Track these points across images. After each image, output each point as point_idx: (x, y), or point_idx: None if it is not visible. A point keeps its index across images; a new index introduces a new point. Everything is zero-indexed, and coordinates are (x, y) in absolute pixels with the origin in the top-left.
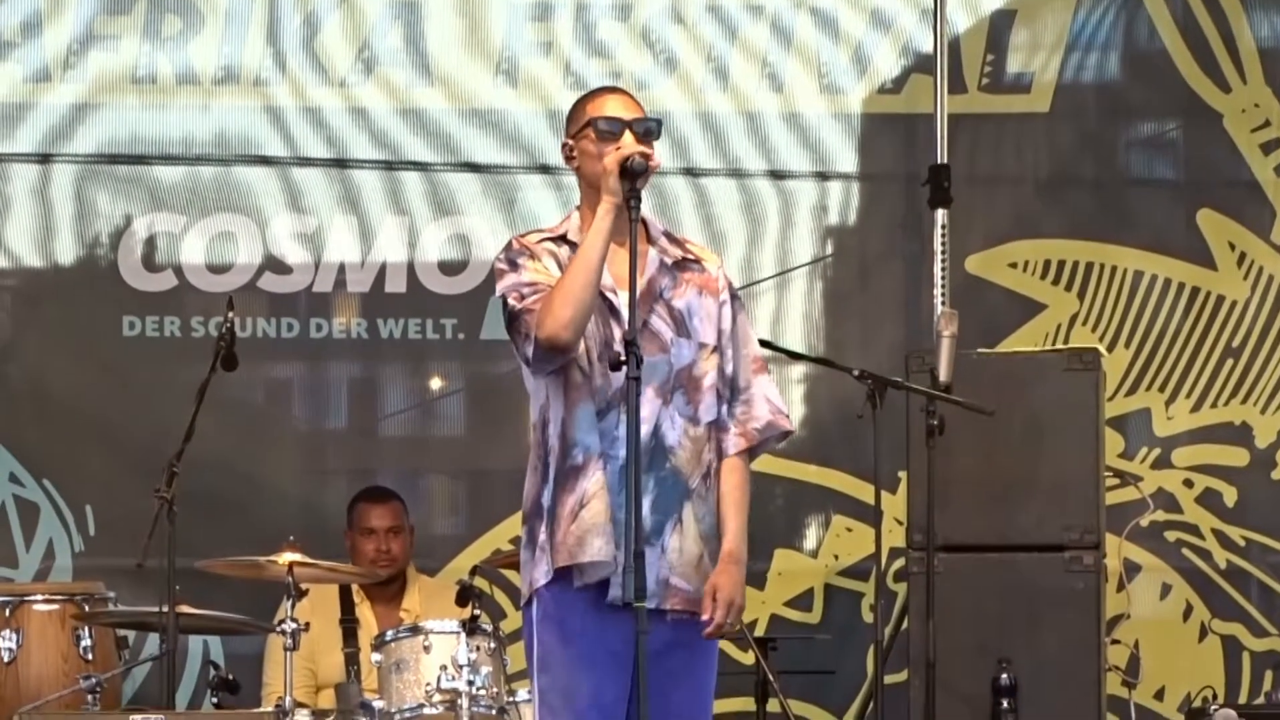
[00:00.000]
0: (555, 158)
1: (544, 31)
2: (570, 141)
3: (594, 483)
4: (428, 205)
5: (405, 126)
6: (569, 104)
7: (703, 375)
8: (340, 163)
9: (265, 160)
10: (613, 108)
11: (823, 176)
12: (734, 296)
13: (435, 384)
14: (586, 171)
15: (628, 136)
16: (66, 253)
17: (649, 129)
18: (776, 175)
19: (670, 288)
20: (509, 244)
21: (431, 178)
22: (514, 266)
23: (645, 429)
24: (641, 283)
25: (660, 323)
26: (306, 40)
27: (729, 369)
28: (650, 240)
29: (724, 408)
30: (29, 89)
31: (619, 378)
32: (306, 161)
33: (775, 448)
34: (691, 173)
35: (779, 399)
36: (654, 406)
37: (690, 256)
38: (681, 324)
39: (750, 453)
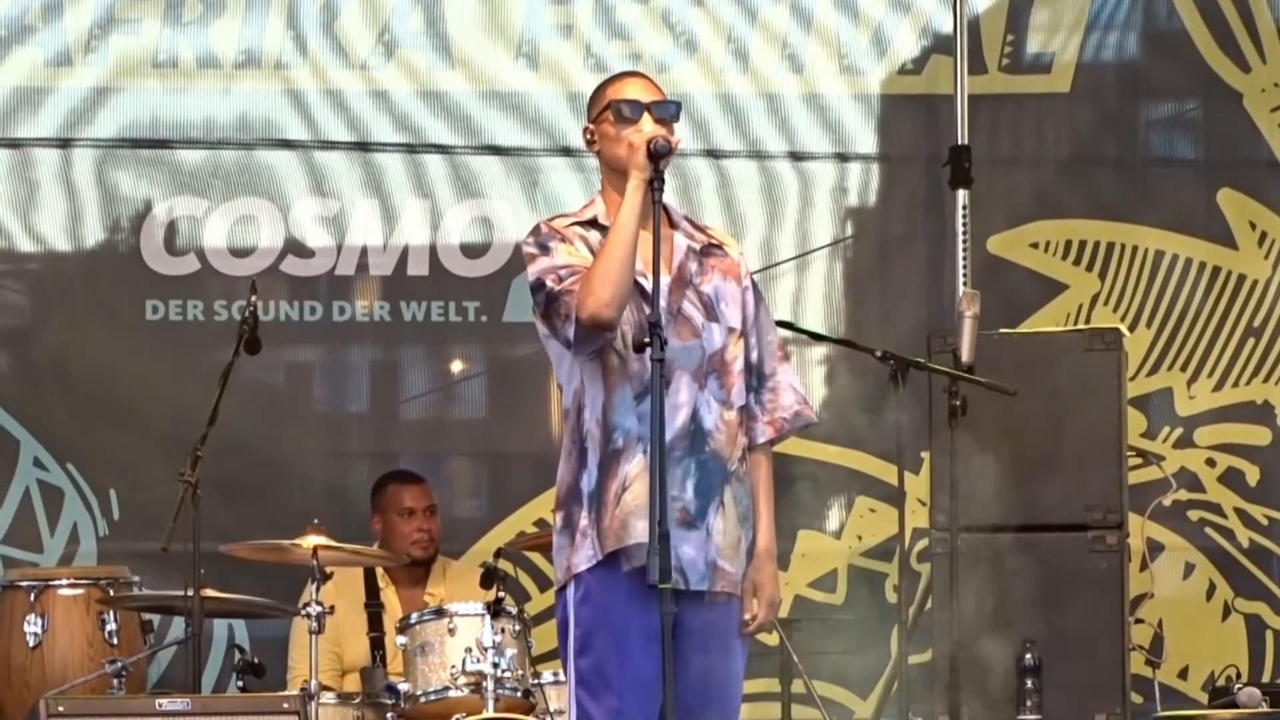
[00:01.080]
0: (576, 140)
1: (564, 14)
2: (591, 125)
3: (635, 465)
4: (450, 188)
5: (427, 109)
6: (590, 86)
7: (733, 360)
8: (362, 145)
9: (287, 144)
10: (632, 91)
11: (844, 158)
12: (754, 284)
13: (456, 367)
14: (607, 155)
15: (647, 119)
16: (89, 237)
17: (668, 111)
18: (797, 157)
19: (698, 273)
20: (536, 228)
21: (453, 160)
22: (545, 250)
23: (684, 413)
24: (671, 268)
25: (691, 308)
26: (327, 23)
27: (754, 356)
28: (674, 225)
29: (750, 395)
30: (50, 73)
31: None
32: (328, 145)
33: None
34: (712, 154)
35: (801, 388)
36: (691, 391)
37: (714, 242)
38: (710, 309)
39: (773, 442)
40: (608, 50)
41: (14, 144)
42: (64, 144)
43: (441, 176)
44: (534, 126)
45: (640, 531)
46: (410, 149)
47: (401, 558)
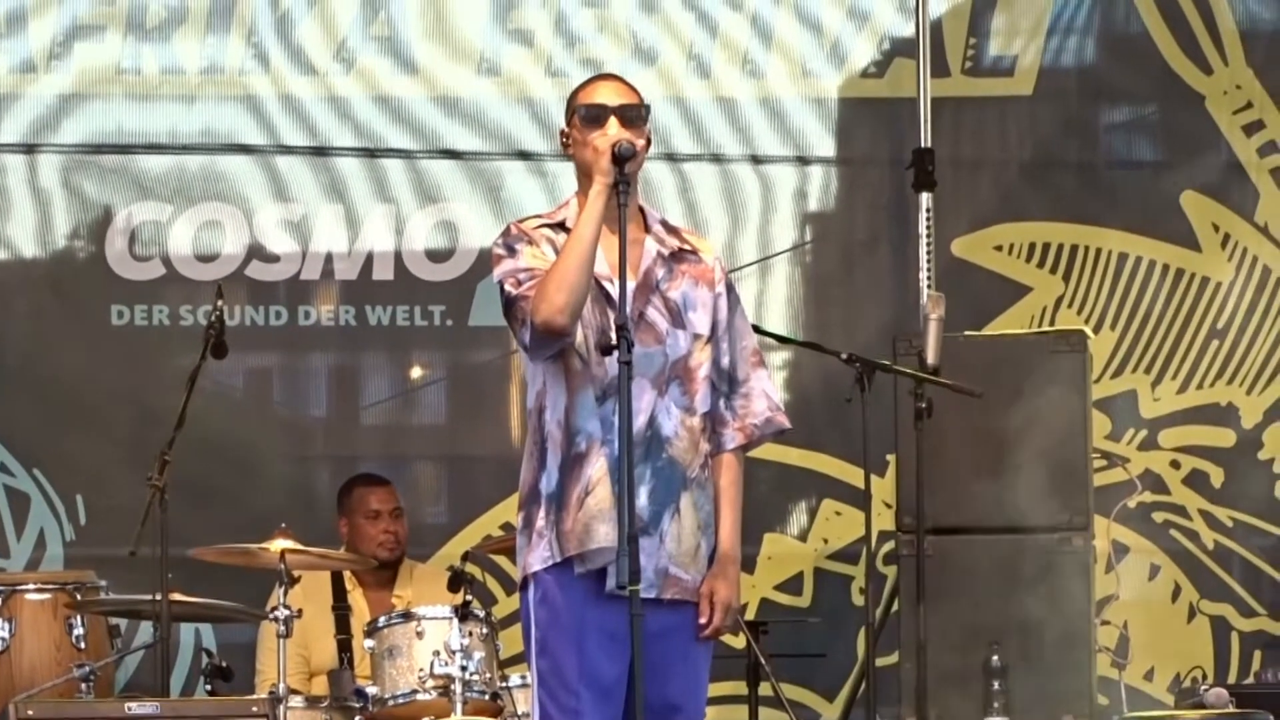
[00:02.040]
0: (535, 145)
1: (522, 20)
2: (565, 129)
3: (597, 469)
4: (413, 193)
5: (388, 116)
6: (550, 92)
7: (698, 366)
8: (324, 150)
9: (250, 150)
10: (601, 95)
11: (806, 161)
12: (730, 288)
13: (416, 372)
14: (578, 158)
15: (613, 123)
16: (54, 243)
17: (633, 114)
18: (758, 160)
19: (666, 279)
20: (507, 229)
21: (416, 165)
22: (511, 252)
23: (641, 420)
24: (638, 274)
25: (656, 314)
26: (288, 32)
27: (724, 361)
28: (646, 229)
29: (720, 401)
30: (14, 80)
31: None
32: (291, 150)
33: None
34: (673, 158)
35: (776, 394)
36: (649, 397)
37: (686, 247)
38: (677, 315)
39: (745, 447)
40: (567, 57)
41: None
42: (29, 150)
43: (404, 182)
44: (494, 132)
45: (602, 536)
46: (372, 154)
47: (369, 561)
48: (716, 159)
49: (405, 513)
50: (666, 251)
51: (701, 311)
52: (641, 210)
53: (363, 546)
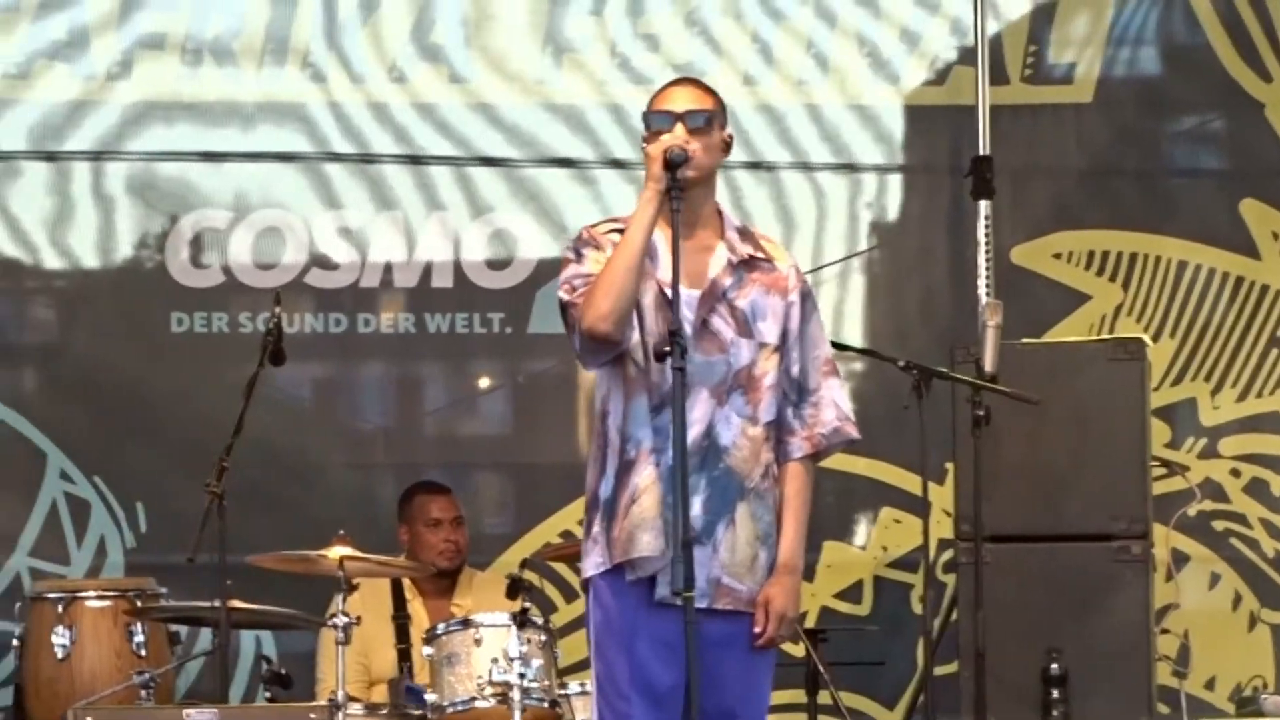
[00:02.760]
0: (582, 153)
1: (593, 26)
2: (644, 136)
3: (645, 478)
4: (471, 201)
5: (433, 126)
6: (615, 100)
7: (762, 375)
8: (378, 159)
9: (308, 159)
10: (666, 101)
11: (866, 169)
12: (805, 296)
13: (484, 382)
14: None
15: (679, 128)
16: (114, 250)
17: (699, 120)
18: (816, 168)
19: (735, 287)
20: (579, 234)
21: (474, 174)
22: (578, 257)
23: (698, 429)
24: (704, 282)
25: (721, 322)
26: (348, 38)
27: (794, 369)
28: (722, 236)
29: (789, 409)
30: (79, 89)
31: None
32: (348, 159)
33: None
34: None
35: (847, 404)
36: (708, 407)
37: (761, 255)
38: (744, 324)
39: (814, 457)
40: (630, 65)
41: (50, 156)
42: (93, 158)
43: (463, 190)
44: (536, 142)
45: (645, 545)
46: (424, 161)
47: (428, 568)
48: (768, 166)
49: (466, 521)
50: (737, 259)
51: (771, 320)
52: (720, 215)
53: (423, 555)
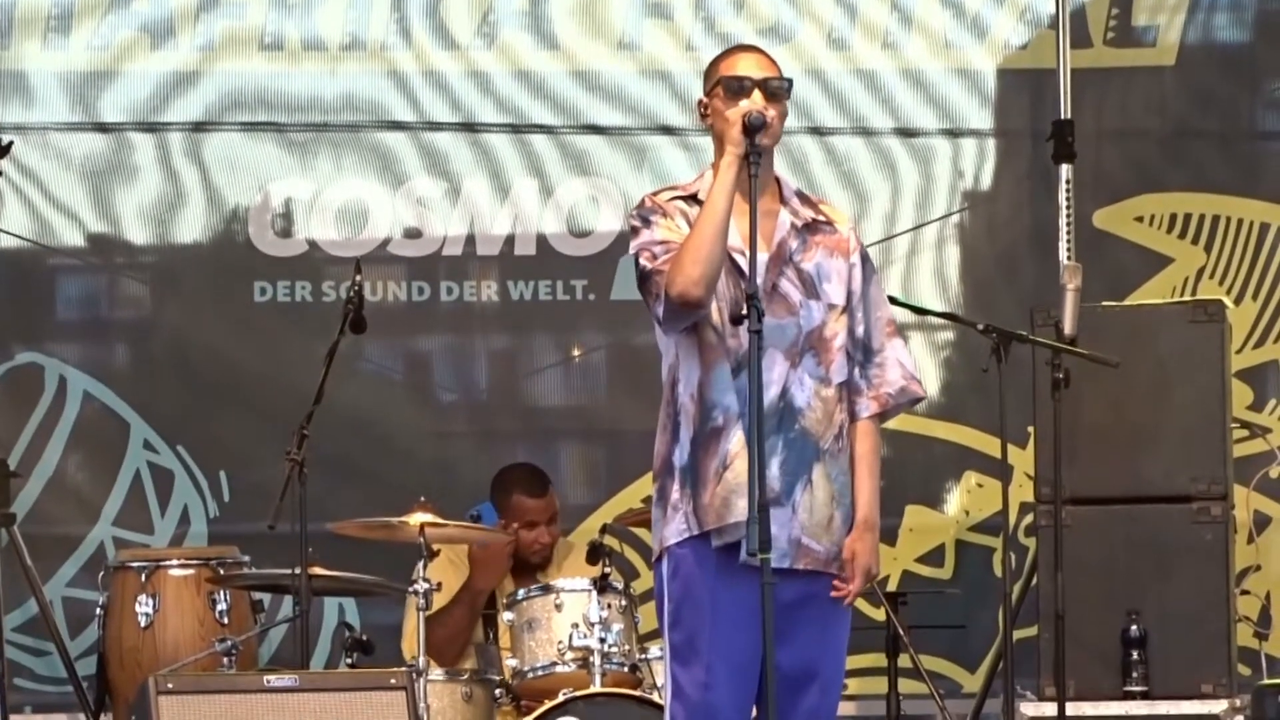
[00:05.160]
0: (677, 119)
1: None
2: (704, 99)
3: (735, 443)
4: (556, 168)
5: (529, 90)
6: (690, 65)
7: (833, 336)
8: (469, 126)
9: (394, 125)
10: (743, 66)
11: (951, 134)
12: (865, 259)
13: (576, 352)
14: (717, 129)
15: (756, 94)
16: (198, 220)
17: (776, 87)
18: (906, 134)
19: (800, 250)
20: (641, 202)
21: (560, 140)
22: (646, 224)
23: (773, 391)
24: (771, 246)
25: (789, 285)
26: (432, 6)
27: (859, 331)
28: (782, 200)
29: (855, 370)
30: (159, 58)
31: None
32: (435, 126)
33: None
34: (818, 131)
35: (911, 363)
36: (782, 369)
37: (821, 218)
38: (811, 286)
39: (881, 416)
40: (704, 33)
41: (103, 128)
42: (193, 128)
43: (547, 157)
44: (636, 107)
45: (740, 510)
46: (515, 129)
47: (508, 532)
48: (864, 132)
49: (559, 512)
50: (800, 223)
51: (836, 282)
52: (778, 181)
53: (517, 550)
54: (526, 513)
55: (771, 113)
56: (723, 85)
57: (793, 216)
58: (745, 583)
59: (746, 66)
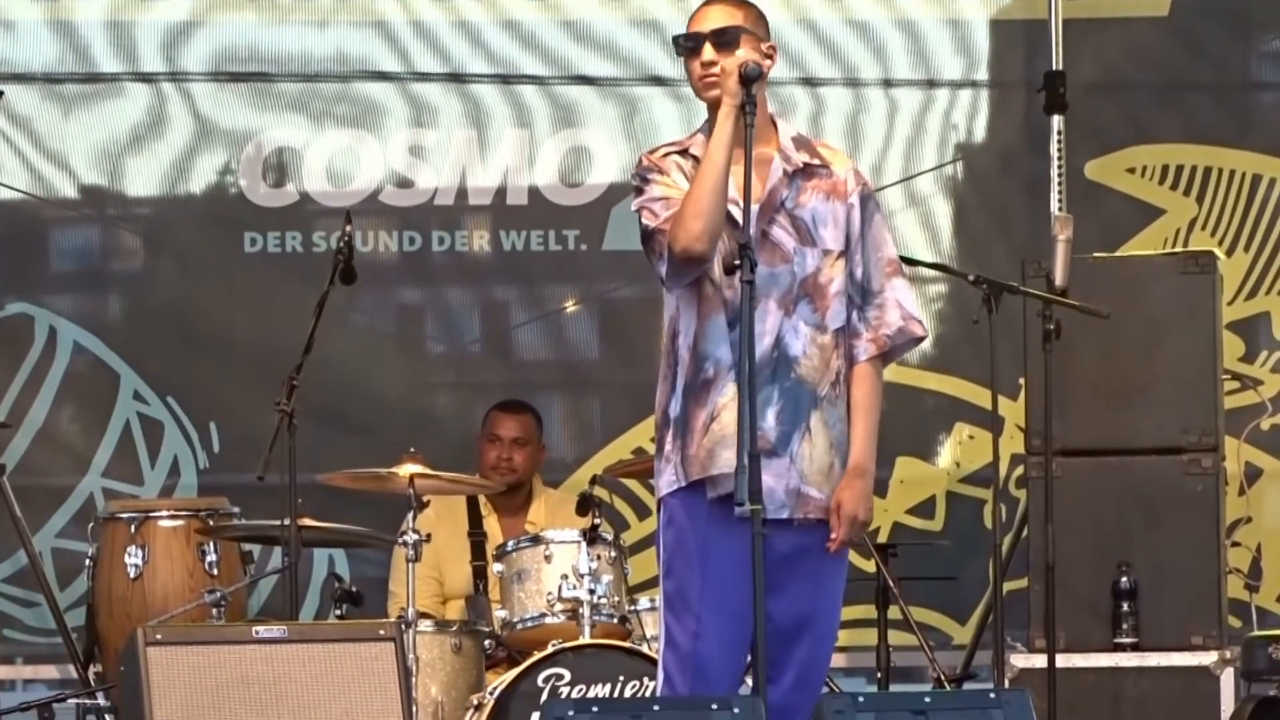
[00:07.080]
0: (668, 70)
1: None
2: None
3: (726, 395)
4: (547, 119)
5: (519, 41)
6: (680, 15)
7: (828, 282)
8: (458, 77)
9: (384, 76)
10: (694, 23)
11: (943, 85)
12: (866, 199)
13: (569, 305)
14: (692, 86)
15: (707, 48)
16: (187, 171)
17: (727, 38)
18: (898, 84)
19: (793, 196)
20: (639, 161)
21: (550, 91)
22: (645, 183)
23: (767, 341)
24: (762, 193)
25: (782, 233)
26: None
27: (859, 273)
28: (776, 146)
29: (854, 313)
30: (154, 9)
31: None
32: (424, 77)
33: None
34: (810, 82)
35: (913, 304)
36: (776, 318)
37: (817, 161)
38: (806, 233)
39: (882, 359)
40: None
41: (96, 78)
42: (167, 78)
43: (538, 107)
44: (628, 57)
45: (726, 461)
46: (505, 80)
47: (497, 485)
48: (852, 83)
49: (539, 446)
50: (792, 168)
51: (833, 227)
52: (775, 126)
53: (481, 470)
54: (492, 425)
55: (767, 63)
56: (676, 47)
57: (785, 163)
58: (739, 533)
59: (696, 22)
